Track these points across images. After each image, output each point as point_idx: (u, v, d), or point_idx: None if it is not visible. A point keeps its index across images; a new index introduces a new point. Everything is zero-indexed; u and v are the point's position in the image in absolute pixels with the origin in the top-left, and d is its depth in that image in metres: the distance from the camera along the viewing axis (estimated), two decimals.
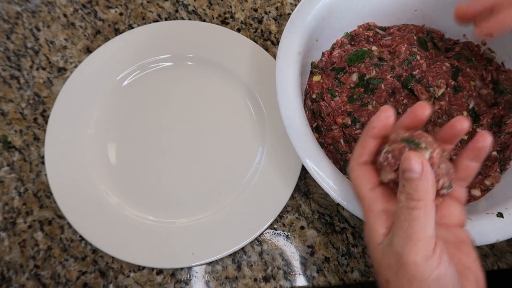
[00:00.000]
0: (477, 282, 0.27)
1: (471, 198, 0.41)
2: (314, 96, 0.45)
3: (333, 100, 0.44)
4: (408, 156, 0.26)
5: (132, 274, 0.46)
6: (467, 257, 0.28)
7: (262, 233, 0.47)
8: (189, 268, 0.46)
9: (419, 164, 0.25)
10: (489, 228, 0.34)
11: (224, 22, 0.57)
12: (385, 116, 0.29)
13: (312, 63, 0.46)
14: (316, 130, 0.45)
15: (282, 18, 0.57)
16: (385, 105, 0.31)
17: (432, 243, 0.25)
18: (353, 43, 0.47)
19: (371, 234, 0.29)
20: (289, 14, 0.57)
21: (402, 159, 0.26)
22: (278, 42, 0.55)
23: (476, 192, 0.41)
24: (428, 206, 0.25)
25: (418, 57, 0.44)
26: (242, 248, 0.47)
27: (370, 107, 0.42)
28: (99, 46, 0.53)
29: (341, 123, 0.42)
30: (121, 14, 0.57)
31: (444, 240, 0.27)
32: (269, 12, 0.57)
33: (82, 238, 0.47)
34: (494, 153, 0.42)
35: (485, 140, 0.28)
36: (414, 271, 0.25)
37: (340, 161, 0.43)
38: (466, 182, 0.31)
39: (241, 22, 0.57)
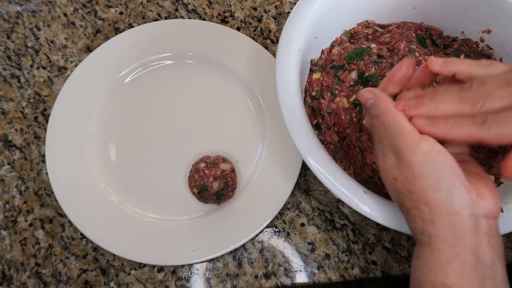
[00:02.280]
0: (488, 185, 0.29)
1: None
2: (314, 94, 0.45)
3: (333, 101, 0.44)
4: (361, 93, 0.32)
5: (133, 272, 0.46)
6: (475, 168, 0.31)
7: (262, 230, 0.47)
8: (190, 265, 0.46)
9: (370, 93, 0.31)
10: None
11: (223, 21, 0.57)
12: (407, 66, 0.32)
13: (311, 61, 0.46)
14: (316, 127, 0.45)
15: (281, 16, 0.57)
16: (408, 58, 0.32)
17: (415, 132, 0.29)
18: (352, 40, 0.48)
19: (375, 152, 0.33)
20: (288, 12, 0.58)
21: (358, 97, 0.32)
22: (277, 41, 0.56)
23: None
24: (392, 111, 0.30)
25: (417, 54, 0.44)
26: (243, 245, 0.47)
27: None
28: (99, 45, 0.54)
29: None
30: (121, 13, 0.57)
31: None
32: (269, 10, 0.58)
33: (83, 236, 0.47)
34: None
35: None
36: (410, 157, 0.28)
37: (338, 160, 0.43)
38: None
39: (241, 21, 0.57)
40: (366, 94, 0.32)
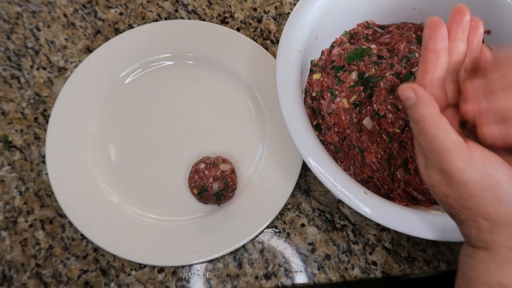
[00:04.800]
0: None
1: None
2: (314, 94, 0.45)
3: (333, 102, 0.44)
4: (402, 88, 0.28)
5: (133, 272, 0.46)
6: None
7: (263, 231, 0.47)
8: (190, 266, 0.46)
9: (411, 90, 0.27)
10: None
11: (223, 22, 0.57)
12: (434, 23, 0.29)
13: (311, 61, 0.47)
14: (316, 128, 0.45)
15: (281, 17, 0.57)
16: (432, 17, 0.30)
17: (463, 146, 0.26)
18: (352, 41, 0.48)
19: (417, 162, 0.30)
20: (288, 13, 0.58)
21: (398, 92, 0.28)
22: (277, 41, 0.56)
23: None
24: (435, 119, 0.26)
25: (417, 55, 0.44)
26: (243, 246, 0.47)
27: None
28: (99, 45, 0.54)
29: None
30: (121, 14, 0.57)
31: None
32: (269, 11, 0.58)
33: (83, 237, 0.47)
34: None
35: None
36: (462, 176, 0.26)
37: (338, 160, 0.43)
38: None
39: (241, 22, 0.57)
40: (406, 91, 0.28)
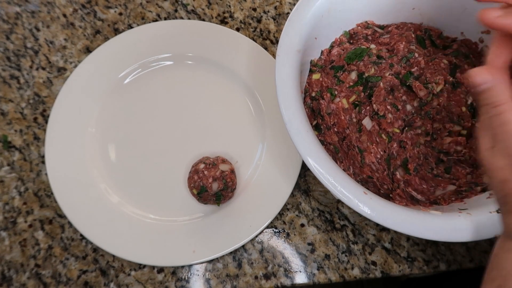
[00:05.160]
0: None
1: (474, 192, 0.41)
2: (313, 94, 0.45)
3: (332, 102, 0.44)
4: (469, 74, 0.27)
5: (133, 273, 0.46)
6: None
7: (262, 231, 0.47)
8: (190, 266, 0.46)
9: (481, 76, 0.27)
10: (488, 223, 0.35)
11: (223, 22, 0.57)
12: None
13: (311, 61, 0.46)
14: (315, 128, 0.45)
15: (280, 17, 0.57)
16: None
17: None
18: (351, 41, 0.48)
19: (479, 143, 0.30)
20: (288, 13, 0.58)
21: (468, 76, 0.27)
22: (277, 41, 0.56)
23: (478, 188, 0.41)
24: (510, 105, 0.26)
25: (416, 55, 0.44)
26: (243, 246, 0.47)
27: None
28: (98, 45, 0.54)
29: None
30: (120, 14, 0.57)
31: None
32: (268, 11, 0.58)
33: (82, 237, 0.47)
34: None
35: None
36: None
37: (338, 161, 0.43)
38: None
39: (240, 22, 0.57)
40: (482, 74, 0.27)
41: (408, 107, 0.43)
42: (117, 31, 0.56)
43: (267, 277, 0.46)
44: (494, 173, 0.28)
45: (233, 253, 0.47)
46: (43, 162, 0.50)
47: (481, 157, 0.29)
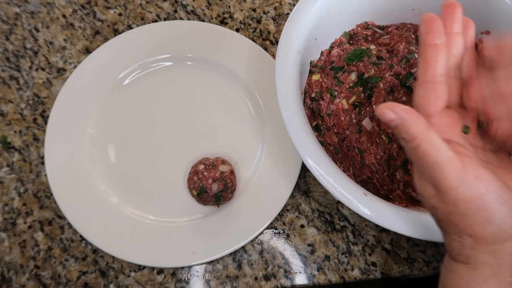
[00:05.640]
0: None
1: None
2: (313, 95, 0.45)
3: (332, 103, 0.44)
4: (380, 111, 0.26)
5: (132, 274, 0.46)
6: None
7: (262, 232, 0.47)
8: (190, 267, 0.46)
9: (390, 112, 0.26)
10: None
11: (223, 22, 0.57)
12: (429, 18, 0.28)
13: (311, 62, 0.46)
14: (315, 128, 0.45)
15: (280, 18, 0.57)
16: (426, 13, 0.29)
17: (457, 163, 0.25)
18: (351, 42, 0.48)
19: (411, 170, 0.29)
20: (288, 14, 0.58)
21: (377, 115, 0.27)
22: (276, 42, 0.56)
23: None
24: (425, 137, 0.25)
25: (416, 55, 0.44)
26: (243, 247, 0.47)
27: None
28: (98, 46, 0.54)
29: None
30: (120, 14, 0.57)
31: (489, 163, 0.27)
32: (268, 12, 0.58)
33: (82, 238, 0.47)
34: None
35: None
36: (455, 195, 0.25)
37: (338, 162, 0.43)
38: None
39: (240, 22, 0.57)
40: (386, 114, 0.26)
41: None
42: (116, 32, 0.56)
43: (267, 278, 0.46)
44: (425, 199, 0.27)
45: (233, 254, 0.46)
46: (43, 163, 0.50)
47: (414, 183, 0.29)
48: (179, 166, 0.49)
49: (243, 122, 0.51)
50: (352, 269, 0.46)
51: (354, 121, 0.43)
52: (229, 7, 0.58)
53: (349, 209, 0.48)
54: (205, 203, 0.47)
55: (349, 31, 0.48)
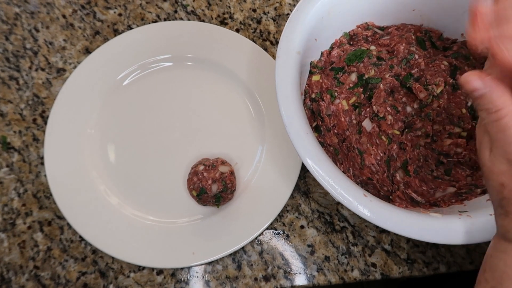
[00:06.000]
0: None
1: (474, 194, 0.41)
2: (313, 96, 0.45)
3: (332, 103, 0.44)
4: (466, 79, 0.26)
5: (132, 274, 0.46)
6: None
7: (262, 233, 0.47)
8: (189, 268, 0.46)
9: (479, 80, 0.25)
10: (488, 226, 0.34)
11: (223, 23, 0.57)
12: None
13: (311, 63, 0.46)
14: (315, 129, 0.45)
15: (280, 18, 0.57)
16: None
17: None
18: (351, 42, 0.48)
19: (479, 143, 0.29)
20: (288, 14, 0.57)
21: (462, 83, 0.26)
22: (277, 42, 0.55)
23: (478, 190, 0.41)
24: (508, 109, 0.25)
25: (417, 56, 0.44)
26: (242, 248, 0.47)
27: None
28: (98, 46, 0.53)
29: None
30: (120, 14, 0.57)
31: None
32: (268, 12, 0.58)
33: (82, 239, 0.47)
34: None
35: None
36: None
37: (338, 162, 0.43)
38: None
39: (240, 23, 0.57)
40: (473, 82, 0.25)
41: (408, 108, 0.43)
42: (116, 32, 0.56)
43: (266, 279, 0.46)
44: (493, 176, 0.27)
45: (233, 254, 0.46)
46: (42, 164, 0.49)
47: (480, 160, 0.29)
48: (179, 166, 0.49)
49: (243, 123, 0.51)
50: (352, 270, 0.46)
51: (354, 122, 0.43)
52: (229, 7, 0.58)
53: (349, 209, 0.48)
54: (205, 203, 0.47)
55: (349, 32, 0.48)
